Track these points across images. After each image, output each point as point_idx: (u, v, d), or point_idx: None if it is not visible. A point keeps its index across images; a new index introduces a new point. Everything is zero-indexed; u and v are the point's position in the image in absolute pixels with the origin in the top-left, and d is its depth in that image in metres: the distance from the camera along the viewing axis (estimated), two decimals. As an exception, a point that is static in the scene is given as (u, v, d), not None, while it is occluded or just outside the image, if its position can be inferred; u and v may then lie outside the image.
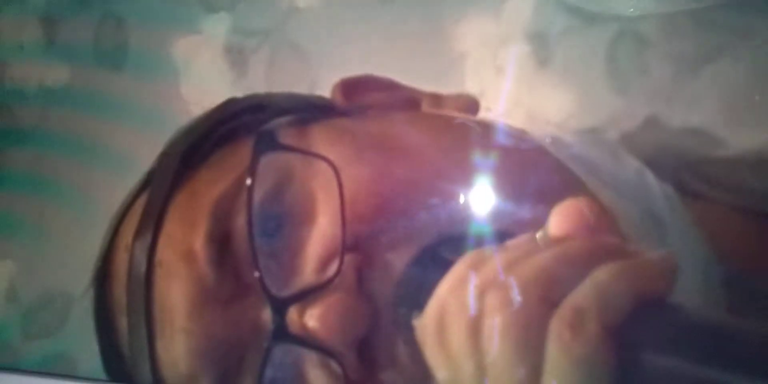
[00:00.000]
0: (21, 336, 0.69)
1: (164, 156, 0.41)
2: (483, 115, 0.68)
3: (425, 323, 0.30)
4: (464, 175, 0.35)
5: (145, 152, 0.76)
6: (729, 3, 0.68)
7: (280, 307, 0.33)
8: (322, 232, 0.34)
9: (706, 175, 0.42)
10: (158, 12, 0.73)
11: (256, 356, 0.34)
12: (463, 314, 0.28)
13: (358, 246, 0.34)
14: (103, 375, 0.66)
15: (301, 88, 0.73)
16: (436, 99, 0.43)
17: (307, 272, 0.34)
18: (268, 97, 0.45)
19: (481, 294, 0.28)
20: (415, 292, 0.31)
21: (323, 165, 0.35)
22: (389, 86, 0.45)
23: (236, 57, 0.71)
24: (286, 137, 0.37)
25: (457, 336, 0.28)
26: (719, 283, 0.35)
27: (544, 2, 0.70)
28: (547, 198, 0.31)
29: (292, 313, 0.33)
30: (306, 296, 0.33)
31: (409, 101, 0.44)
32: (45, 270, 0.70)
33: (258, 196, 0.34)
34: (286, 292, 0.34)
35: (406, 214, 0.33)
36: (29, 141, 0.73)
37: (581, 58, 0.69)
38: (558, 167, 0.37)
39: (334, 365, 0.33)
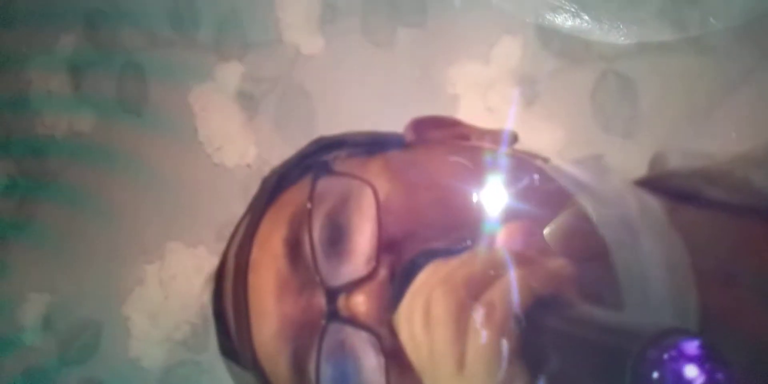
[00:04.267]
0: (57, 363, 0.74)
1: (264, 182, 0.50)
2: None
3: (399, 313, 0.38)
4: (473, 196, 0.43)
5: (165, 192, 0.81)
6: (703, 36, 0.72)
7: (332, 294, 0.41)
8: (365, 238, 0.42)
9: (708, 177, 0.48)
10: (175, 61, 0.78)
11: (316, 335, 0.42)
12: (420, 305, 0.37)
13: (391, 248, 0.41)
14: None
15: (305, 128, 0.80)
16: (481, 133, 0.51)
17: (354, 268, 0.42)
18: (351, 135, 0.53)
19: (432, 290, 0.36)
20: (399, 291, 0.38)
21: (368, 188, 0.42)
22: (451, 123, 0.53)
23: (247, 102, 0.76)
24: (343, 166, 0.45)
25: (416, 320, 0.37)
26: (693, 284, 0.41)
27: (530, 46, 0.75)
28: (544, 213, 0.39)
29: (342, 300, 0.41)
30: (352, 286, 0.41)
31: (460, 136, 0.51)
32: (78, 301, 0.74)
33: (322, 211, 0.43)
34: (338, 283, 0.41)
35: (427, 226, 0.41)
36: (60, 184, 0.78)
37: (567, 98, 0.74)
38: (560, 193, 0.43)
39: (374, 340, 0.40)
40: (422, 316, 0.37)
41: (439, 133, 0.51)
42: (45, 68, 0.83)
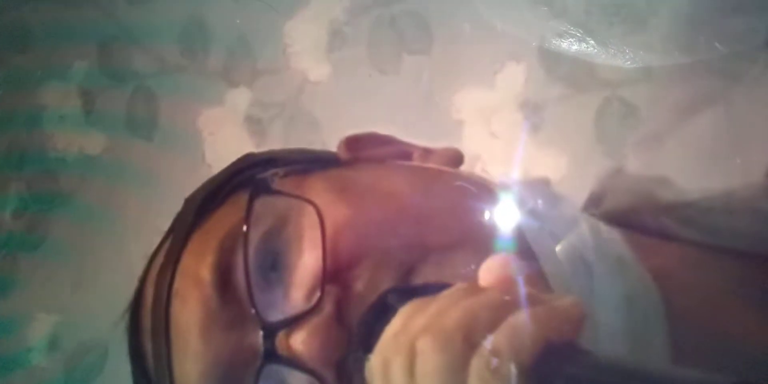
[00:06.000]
0: (63, 382, 0.75)
1: (187, 202, 0.46)
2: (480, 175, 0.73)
3: (372, 365, 0.33)
4: (430, 223, 0.40)
5: (173, 213, 0.82)
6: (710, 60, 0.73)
7: (270, 331, 0.37)
8: (307, 266, 0.38)
9: (684, 218, 0.45)
10: (185, 86, 0.79)
11: (250, 378, 0.37)
12: (401, 357, 0.32)
13: (338, 278, 0.37)
14: None
15: None
16: (426, 152, 0.48)
17: (295, 301, 0.37)
18: (281, 152, 0.49)
19: (415, 339, 0.32)
20: (367, 336, 0.34)
21: (310, 208, 0.39)
22: (387, 141, 0.49)
23: (255, 127, 0.77)
24: (282, 184, 0.42)
25: (397, 377, 0.32)
26: (663, 318, 0.38)
27: (534, 73, 0.76)
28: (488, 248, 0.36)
29: (281, 337, 0.37)
30: (292, 322, 0.37)
31: (401, 154, 0.48)
32: (84, 322, 0.75)
33: (258, 234, 0.39)
34: (276, 318, 0.37)
35: (378, 253, 0.38)
36: (70, 205, 0.80)
37: (571, 123, 0.75)
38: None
39: (316, 383, 0.36)
40: (405, 366, 0.32)
41: (378, 151, 0.47)
42: (58, 92, 0.85)
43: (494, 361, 0.29)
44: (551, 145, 0.75)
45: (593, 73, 0.74)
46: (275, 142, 0.76)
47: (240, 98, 0.78)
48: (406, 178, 0.44)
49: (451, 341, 0.31)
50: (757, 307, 0.40)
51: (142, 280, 0.44)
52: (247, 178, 0.43)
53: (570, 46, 0.74)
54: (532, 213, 0.41)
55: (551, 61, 0.75)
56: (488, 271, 0.33)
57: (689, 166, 0.67)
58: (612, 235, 0.41)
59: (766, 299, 0.40)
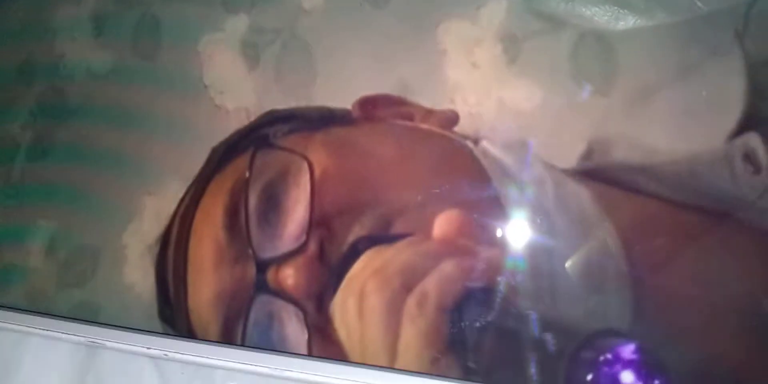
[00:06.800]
0: (56, 285, 0.79)
1: (213, 151, 0.51)
2: (460, 106, 0.77)
3: (333, 303, 0.39)
4: (409, 181, 0.44)
5: (172, 125, 0.86)
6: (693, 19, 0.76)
7: (262, 266, 0.43)
8: (298, 211, 0.43)
9: (654, 176, 0.49)
10: (188, 13, 0.83)
11: (245, 305, 0.43)
12: (353, 297, 0.37)
13: (323, 223, 0.42)
14: (120, 321, 0.73)
15: (302, 77, 0.80)
16: (427, 113, 0.51)
17: (286, 241, 0.43)
18: (299, 109, 0.53)
19: (365, 281, 0.36)
20: (338, 277, 0.39)
21: (304, 162, 0.44)
22: (396, 102, 0.53)
23: (251, 51, 0.81)
24: (285, 140, 0.47)
25: (350, 314, 0.37)
26: (624, 274, 0.42)
27: (514, 9, 0.80)
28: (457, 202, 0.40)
29: (271, 272, 0.43)
30: (280, 259, 0.43)
31: (404, 115, 0.51)
32: (80, 228, 0.79)
33: (262, 182, 0.44)
34: (268, 255, 0.42)
35: (360, 205, 0.43)
36: (75, 117, 0.82)
37: (547, 57, 0.78)
38: (483, 176, 0.44)
39: (299, 312, 0.42)
40: (356, 304, 0.37)
41: (384, 112, 0.52)
42: (71, 18, 0.88)
43: (422, 301, 0.33)
44: (527, 77, 0.80)
45: (572, 11, 0.78)
46: (268, 66, 0.80)
47: (238, 24, 0.82)
48: (398, 138, 0.48)
49: (390, 284, 0.36)
50: (714, 260, 0.44)
51: (173, 217, 0.50)
52: (263, 133, 0.48)
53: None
54: (506, 173, 0.45)
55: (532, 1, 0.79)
56: (438, 225, 0.38)
57: (660, 127, 0.70)
58: (580, 191, 0.45)
59: (721, 252, 0.43)
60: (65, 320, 0.74)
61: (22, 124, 0.83)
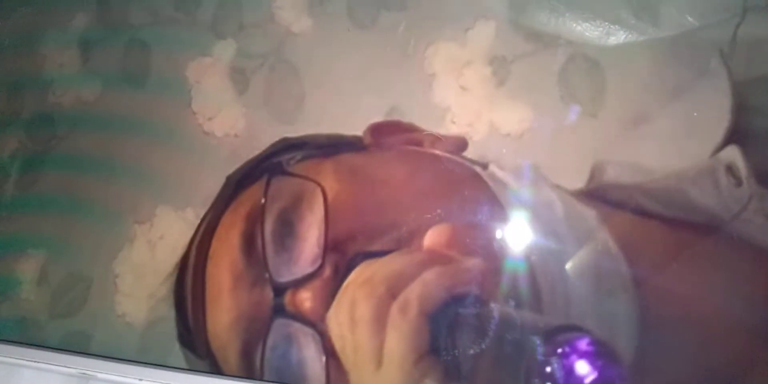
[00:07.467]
0: (47, 315, 0.78)
1: (228, 179, 0.53)
2: (449, 127, 0.77)
3: (330, 314, 0.41)
4: (415, 204, 0.45)
5: (159, 158, 0.86)
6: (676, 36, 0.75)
7: (279, 290, 0.44)
8: (313, 236, 0.44)
9: (651, 195, 0.50)
10: (176, 38, 0.83)
11: (264, 328, 0.44)
12: (346, 306, 0.39)
13: (336, 248, 0.43)
14: (112, 352, 0.73)
15: (292, 102, 0.81)
16: (435, 139, 0.53)
17: (302, 265, 0.44)
18: (311, 137, 0.55)
19: (356, 290, 0.38)
20: (334, 294, 0.41)
21: (318, 188, 0.45)
22: (407, 128, 0.54)
23: (239, 76, 0.80)
24: (298, 167, 0.48)
25: (344, 322, 0.39)
26: (630, 287, 0.42)
27: (502, 30, 0.80)
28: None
29: (288, 295, 0.44)
30: (297, 283, 0.44)
31: (413, 141, 0.53)
32: (70, 258, 0.78)
33: (277, 208, 0.45)
34: (285, 279, 0.43)
35: (370, 228, 0.44)
36: (64, 144, 0.81)
37: (536, 79, 0.78)
38: (492, 198, 0.46)
39: (315, 335, 0.44)
40: (348, 316, 0.39)
41: (394, 139, 0.53)
42: (59, 42, 0.88)
43: (405, 308, 0.35)
44: (517, 99, 0.80)
45: (559, 32, 0.77)
46: (257, 91, 0.80)
47: (226, 49, 0.81)
48: (406, 164, 0.49)
49: (376, 292, 0.38)
50: (707, 270, 0.44)
51: (189, 245, 0.51)
52: (276, 161, 0.50)
53: (540, 5, 0.77)
54: (516, 197, 0.46)
55: (521, 20, 0.79)
56: (428, 237, 0.40)
57: (651, 146, 0.70)
58: (587, 212, 0.46)
59: (713, 262, 0.44)
60: (56, 352, 0.73)
61: (10, 153, 0.82)
